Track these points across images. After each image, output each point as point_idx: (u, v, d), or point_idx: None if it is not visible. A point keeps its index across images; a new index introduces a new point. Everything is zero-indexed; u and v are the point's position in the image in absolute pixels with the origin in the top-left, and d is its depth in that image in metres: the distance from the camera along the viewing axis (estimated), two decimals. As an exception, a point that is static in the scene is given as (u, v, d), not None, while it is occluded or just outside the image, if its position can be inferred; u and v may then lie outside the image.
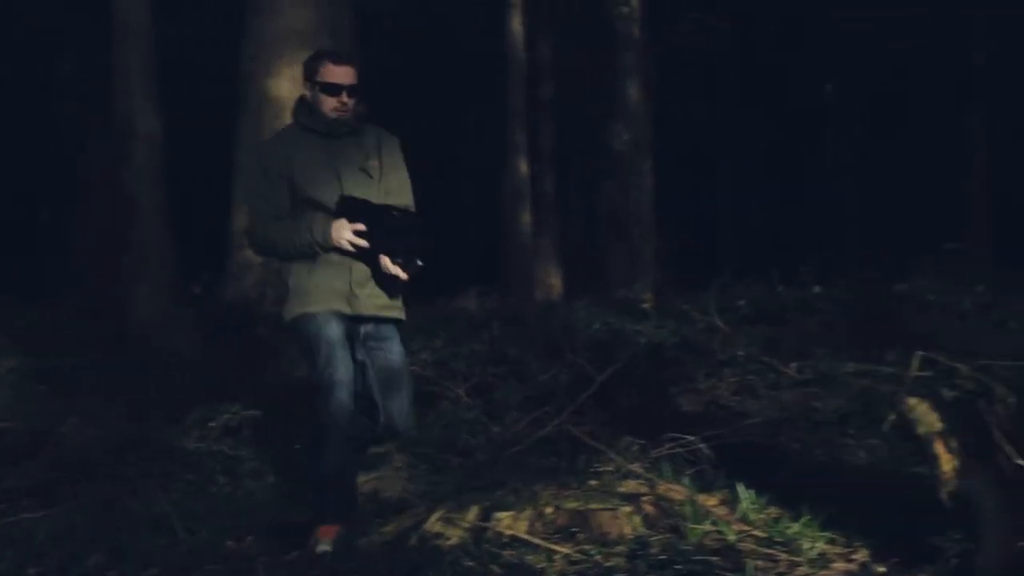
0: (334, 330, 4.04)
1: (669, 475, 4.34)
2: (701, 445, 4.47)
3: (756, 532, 3.87)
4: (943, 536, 3.59)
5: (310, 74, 4.28)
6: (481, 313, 8.14)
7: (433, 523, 4.00)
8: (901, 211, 13.79)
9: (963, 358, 5.45)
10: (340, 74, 4.24)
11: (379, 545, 3.99)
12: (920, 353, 5.45)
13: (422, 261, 4.06)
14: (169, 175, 8.51)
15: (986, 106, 13.17)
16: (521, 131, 11.49)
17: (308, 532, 3.92)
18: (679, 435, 4.56)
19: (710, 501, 4.15)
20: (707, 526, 3.91)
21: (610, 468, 4.44)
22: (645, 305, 7.97)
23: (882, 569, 3.64)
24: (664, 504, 4.05)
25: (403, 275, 4.06)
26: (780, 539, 3.81)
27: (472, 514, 3.98)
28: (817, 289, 7.99)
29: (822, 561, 3.67)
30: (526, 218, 11.47)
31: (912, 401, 3.57)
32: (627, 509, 3.99)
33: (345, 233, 4.07)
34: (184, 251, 8.64)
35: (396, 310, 4.22)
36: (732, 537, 3.80)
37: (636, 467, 4.40)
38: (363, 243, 4.06)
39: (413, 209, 4.23)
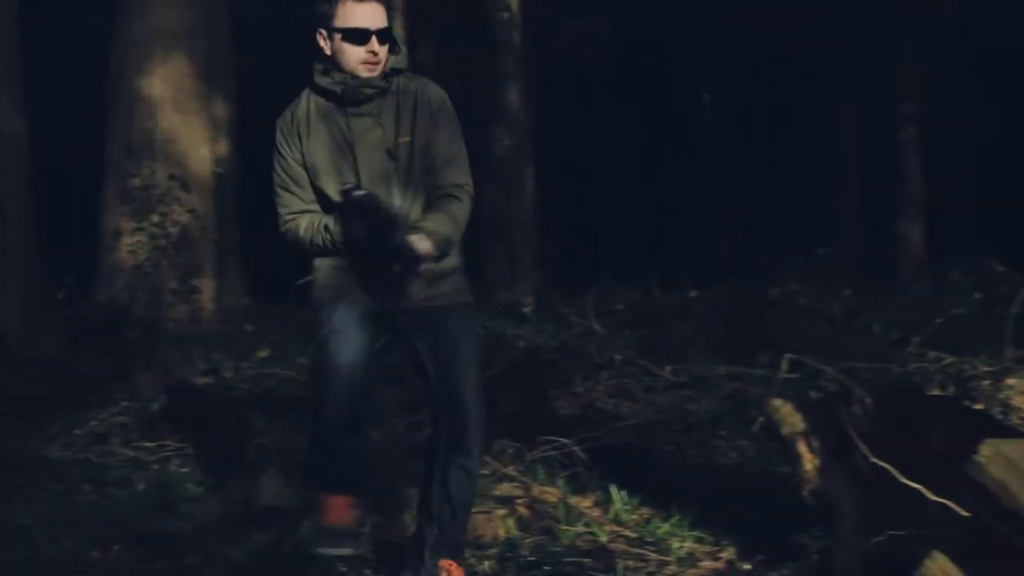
0: (344, 316, 3.31)
1: (544, 478, 4.37)
2: (576, 448, 4.51)
3: (627, 532, 3.93)
4: (805, 534, 3.69)
5: (324, 19, 3.38)
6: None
7: (306, 530, 3.95)
8: (775, 217, 14.12)
9: (829, 360, 5.60)
10: (366, 14, 3.35)
11: (251, 553, 3.93)
12: (789, 356, 5.59)
13: (425, 268, 3.24)
14: (39, 177, 8.26)
15: (857, 117, 13.54)
16: (401, 135, 11.46)
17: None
18: (554, 438, 4.59)
19: (584, 503, 4.20)
20: (580, 527, 3.96)
21: (486, 471, 4.44)
22: (525, 309, 8.02)
23: (747, 567, 3.72)
24: (538, 506, 4.09)
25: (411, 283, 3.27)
26: (651, 539, 3.88)
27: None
28: (693, 293, 8.15)
29: (690, 560, 3.74)
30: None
31: (776, 402, 3.65)
32: (501, 512, 4.01)
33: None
34: (53, 254, 8.40)
35: (448, 296, 3.40)
36: (603, 538, 3.86)
37: (511, 470, 4.42)
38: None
39: (464, 186, 3.38)
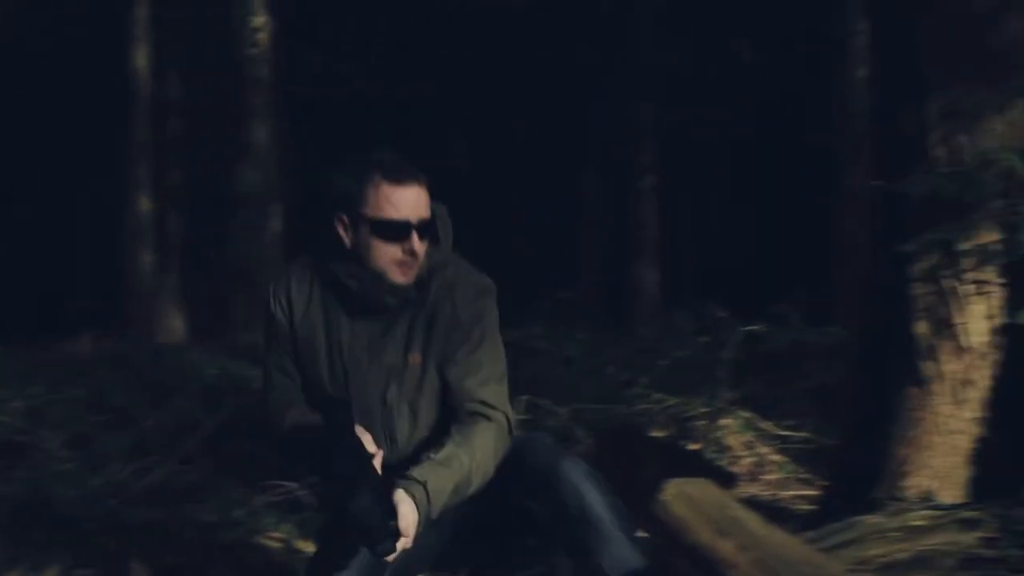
0: None
1: (272, 523, 4.31)
2: (302, 493, 4.47)
3: None
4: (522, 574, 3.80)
5: (347, 201, 2.59)
6: (91, 357, 7.76)
7: (12, 584, 3.77)
8: (520, 261, 14.49)
9: (562, 401, 5.78)
10: (407, 201, 2.57)
11: None
12: (525, 397, 5.75)
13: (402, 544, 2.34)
14: None
15: (601, 165, 14.09)
16: (145, 167, 11.13)
17: None
18: (282, 482, 4.54)
19: (311, 547, 4.17)
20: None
21: (213, 518, 4.35)
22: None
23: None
24: (265, 552, 4.03)
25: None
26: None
27: (53, 572, 3.78)
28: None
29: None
30: (148, 258, 11.09)
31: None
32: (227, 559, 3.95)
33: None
34: None
35: None
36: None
37: (239, 515, 4.34)
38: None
39: (494, 406, 2.54)
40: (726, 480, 5.26)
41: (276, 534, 4.15)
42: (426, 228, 2.59)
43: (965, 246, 3.12)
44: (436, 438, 2.56)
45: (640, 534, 2.35)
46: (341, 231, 2.60)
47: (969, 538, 2.65)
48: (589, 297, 12.67)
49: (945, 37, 3.23)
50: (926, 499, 3.04)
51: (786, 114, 14.33)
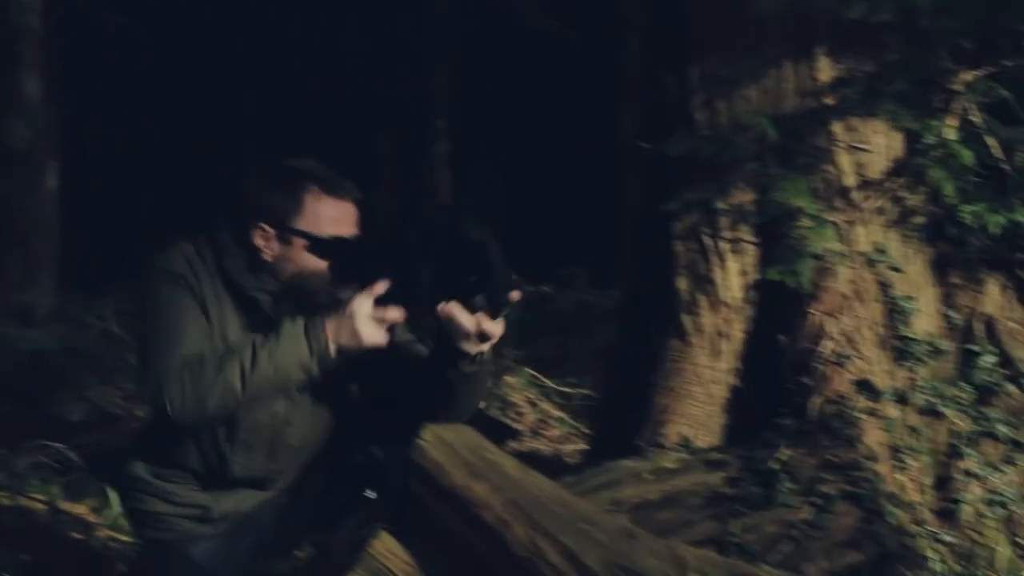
0: None
1: (37, 485, 4.18)
2: (71, 452, 4.34)
3: (123, 537, 3.84)
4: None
5: (273, 213, 2.48)
6: None
7: None
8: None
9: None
10: (347, 217, 2.51)
11: None
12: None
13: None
14: None
15: (394, 130, 14.02)
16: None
17: None
18: (48, 443, 4.39)
19: (78, 508, 4.06)
20: (74, 534, 3.82)
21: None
22: (39, 311, 7.59)
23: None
24: (28, 515, 3.90)
25: (494, 329, 2.34)
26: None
27: None
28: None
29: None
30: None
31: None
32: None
33: (365, 307, 2.37)
34: None
35: None
36: (95, 544, 3.75)
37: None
38: (398, 314, 2.39)
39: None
40: (510, 436, 5.38)
41: (40, 496, 4.02)
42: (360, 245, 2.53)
43: (722, 206, 3.27)
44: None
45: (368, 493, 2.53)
46: (260, 243, 2.50)
47: (715, 478, 2.80)
48: (382, 260, 12.62)
49: (708, 5, 3.36)
50: (683, 445, 3.18)
51: (574, 79, 14.59)
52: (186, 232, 2.59)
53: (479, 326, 2.30)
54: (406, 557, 2.19)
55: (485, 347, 2.38)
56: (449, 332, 2.35)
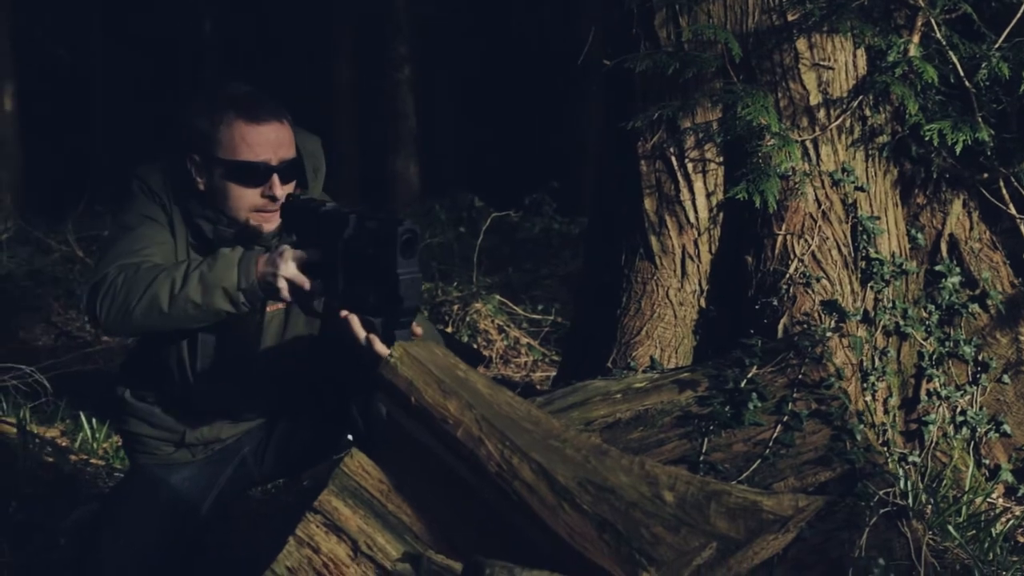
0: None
1: (7, 410, 4.16)
2: (40, 376, 4.32)
3: (96, 461, 3.85)
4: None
5: (197, 140, 2.45)
6: None
7: None
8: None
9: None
10: (266, 140, 2.43)
11: None
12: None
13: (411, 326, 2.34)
14: None
15: (354, 55, 13.85)
16: None
17: None
18: (17, 366, 4.36)
19: (51, 433, 4.05)
20: (46, 458, 3.82)
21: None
22: (3, 236, 7.51)
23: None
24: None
25: (381, 351, 2.26)
26: (121, 467, 3.82)
27: None
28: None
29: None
30: None
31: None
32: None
33: (291, 267, 2.31)
34: None
35: None
36: (68, 467, 3.75)
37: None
38: (305, 282, 2.31)
39: None
40: (480, 362, 5.40)
41: (9, 419, 4.01)
42: (289, 170, 2.46)
43: (687, 124, 3.26)
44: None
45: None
46: (193, 172, 2.46)
47: (685, 397, 2.82)
48: (347, 188, 12.54)
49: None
50: (653, 367, 3.21)
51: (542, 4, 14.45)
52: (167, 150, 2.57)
53: (368, 342, 2.27)
54: (379, 475, 2.20)
55: (375, 358, 2.29)
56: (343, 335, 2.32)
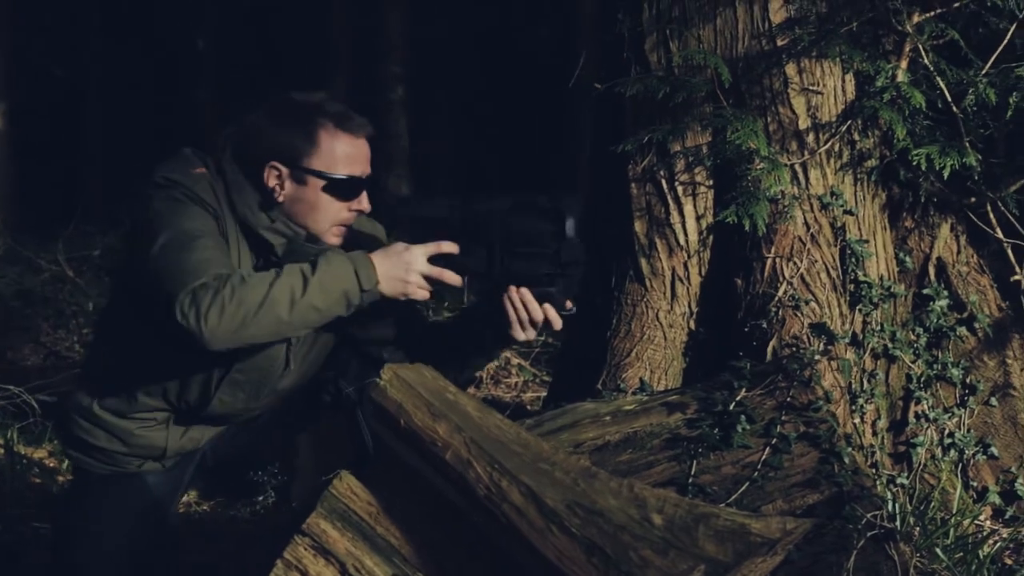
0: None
1: (-7, 430, 4.16)
2: (28, 397, 4.31)
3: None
4: (263, 472, 3.80)
5: (287, 151, 2.41)
6: None
7: None
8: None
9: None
10: (363, 155, 2.46)
11: None
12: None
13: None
14: None
15: (351, 75, 13.91)
16: None
17: None
18: (2, 386, 4.35)
19: (38, 453, 4.04)
20: (33, 479, 3.81)
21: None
22: (-7, 254, 7.52)
23: (206, 507, 3.78)
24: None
25: (558, 321, 2.45)
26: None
27: None
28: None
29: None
30: None
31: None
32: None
33: (423, 261, 2.35)
34: None
35: None
36: (56, 488, 3.74)
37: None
38: (456, 279, 2.39)
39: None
40: (470, 383, 5.40)
41: (-1, 440, 4.01)
42: (371, 185, 2.47)
43: (677, 148, 3.28)
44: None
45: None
46: (273, 183, 2.41)
47: (674, 420, 2.82)
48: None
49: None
50: (643, 389, 3.21)
51: (531, 22, 14.52)
52: (197, 156, 2.49)
53: (545, 317, 2.39)
54: (368, 497, 2.21)
55: (533, 336, 2.44)
56: (507, 317, 2.40)
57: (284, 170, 2.42)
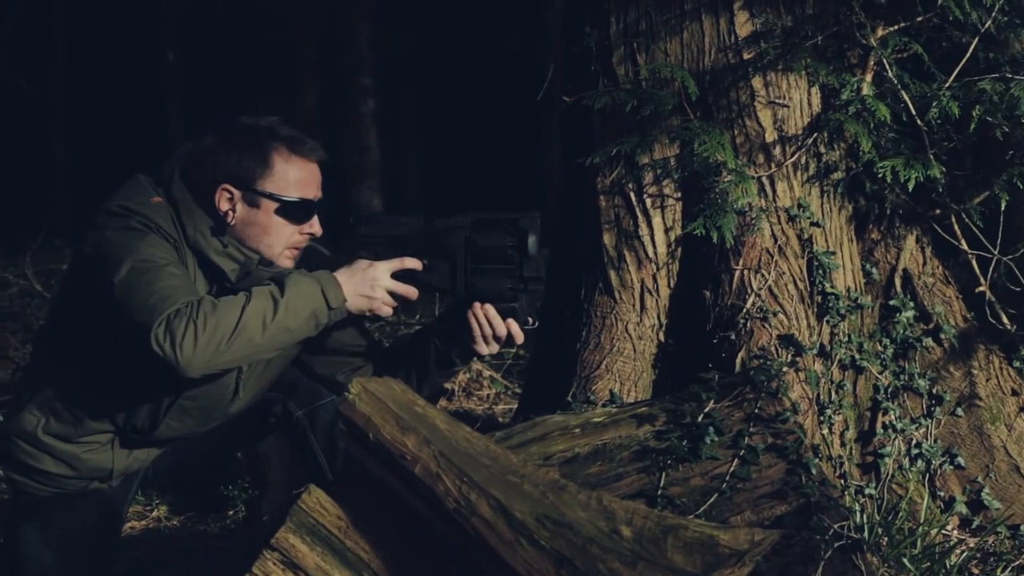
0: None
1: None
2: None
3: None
4: (234, 486, 3.80)
5: (239, 174, 2.42)
6: None
7: None
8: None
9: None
10: (315, 179, 2.49)
11: None
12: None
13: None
14: None
15: (320, 87, 13.89)
16: None
17: None
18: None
19: (5, 470, 4.01)
20: (1, 496, 3.78)
21: None
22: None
23: (176, 522, 3.76)
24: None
25: (521, 335, 2.56)
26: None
27: None
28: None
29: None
30: None
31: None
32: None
33: (387, 278, 2.41)
34: None
35: None
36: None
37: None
38: (412, 292, 2.46)
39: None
40: (442, 395, 5.39)
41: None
42: (322, 209, 2.50)
43: (645, 160, 3.30)
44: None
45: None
46: (225, 207, 2.41)
47: (643, 432, 2.83)
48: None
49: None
50: (612, 402, 3.22)
51: (497, 35, 14.55)
52: (150, 183, 2.48)
53: (508, 331, 2.46)
54: (337, 511, 2.20)
55: (496, 350, 2.51)
56: (472, 332, 2.46)
57: (236, 193, 2.43)
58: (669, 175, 3.30)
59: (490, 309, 2.45)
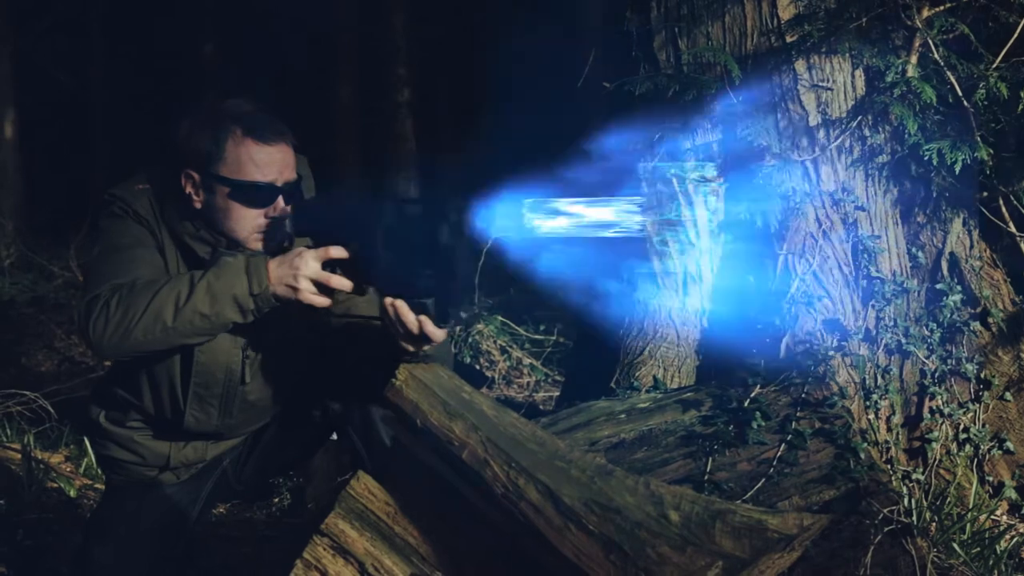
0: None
1: (11, 435, 4.17)
2: (45, 402, 4.32)
3: (99, 485, 3.85)
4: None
5: (197, 158, 2.38)
6: None
7: None
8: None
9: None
10: (273, 161, 2.39)
11: None
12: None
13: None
14: None
15: (358, 78, 13.92)
16: None
17: None
18: (20, 392, 4.37)
19: (55, 459, 4.05)
20: (51, 484, 3.82)
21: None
22: (5, 261, 7.53)
23: (221, 510, 3.79)
24: (2, 464, 3.90)
25: (437, 333, 2.22)
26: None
27: None
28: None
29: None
30: None
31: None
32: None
33: (313, 266, 2.29)
34: None
35: None
36: (73, 492, 3.75)
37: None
38: (347, 284, 2.28)
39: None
40: (482, 383, 5.41)
41: (14, 445, 4.01)
42: (292, 192, 2.41)
43: (687, 145, 3.28)
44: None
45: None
46: (189, 190, 2.40)
47: (689, 417, 2.83)
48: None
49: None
50: (656, 387, 3.22)
51: (537, 22, 14.51)
52: (144, 173, 2.53)
53: (421, 329, 2.21)
54: (385, 497, 2.22)
55: (425, 348, 2.28)
56: (391, 326, 2.26)
57: (196, 176, 2.41)
58: (712, 160, 3.28)
59: (400, 304, 2.21)
